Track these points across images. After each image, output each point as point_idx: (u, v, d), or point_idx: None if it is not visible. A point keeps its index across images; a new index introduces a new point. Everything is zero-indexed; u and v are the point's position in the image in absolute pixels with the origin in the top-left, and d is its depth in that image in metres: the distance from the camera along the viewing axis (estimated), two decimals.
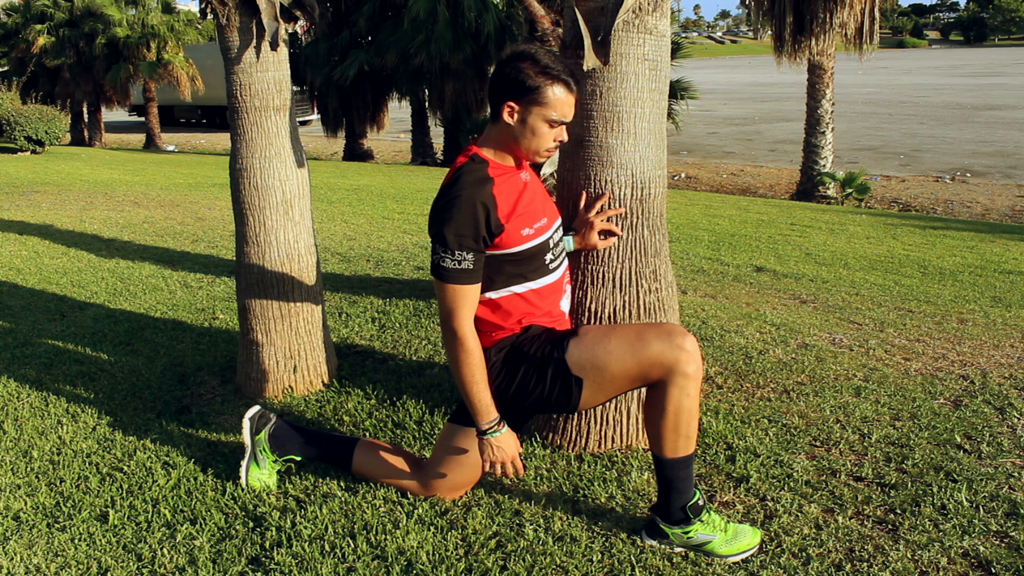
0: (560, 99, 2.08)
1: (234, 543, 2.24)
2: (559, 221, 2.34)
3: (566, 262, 2.36)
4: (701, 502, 2.16)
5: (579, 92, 2.19)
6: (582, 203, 2.57)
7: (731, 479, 2.51)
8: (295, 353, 3.24)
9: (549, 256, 2.24)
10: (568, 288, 2.38)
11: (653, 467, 2.31)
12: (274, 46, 3.06)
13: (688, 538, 2.15)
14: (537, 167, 2.38)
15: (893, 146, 19.39)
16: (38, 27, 21.39)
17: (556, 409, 2.22)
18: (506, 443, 2.18)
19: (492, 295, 2.20)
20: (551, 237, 2.25)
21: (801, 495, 2.41)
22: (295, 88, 8.67)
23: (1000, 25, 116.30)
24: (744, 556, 2.12)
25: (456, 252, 2.08)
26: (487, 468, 2.21)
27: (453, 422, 2.36)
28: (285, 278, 3.18)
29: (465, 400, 2.18)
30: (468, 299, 2.13)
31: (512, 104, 2.10)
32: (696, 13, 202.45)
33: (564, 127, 2.15)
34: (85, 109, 23.66)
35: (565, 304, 2.34)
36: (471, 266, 2.10)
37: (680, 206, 9.42)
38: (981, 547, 2.14)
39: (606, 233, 2.56)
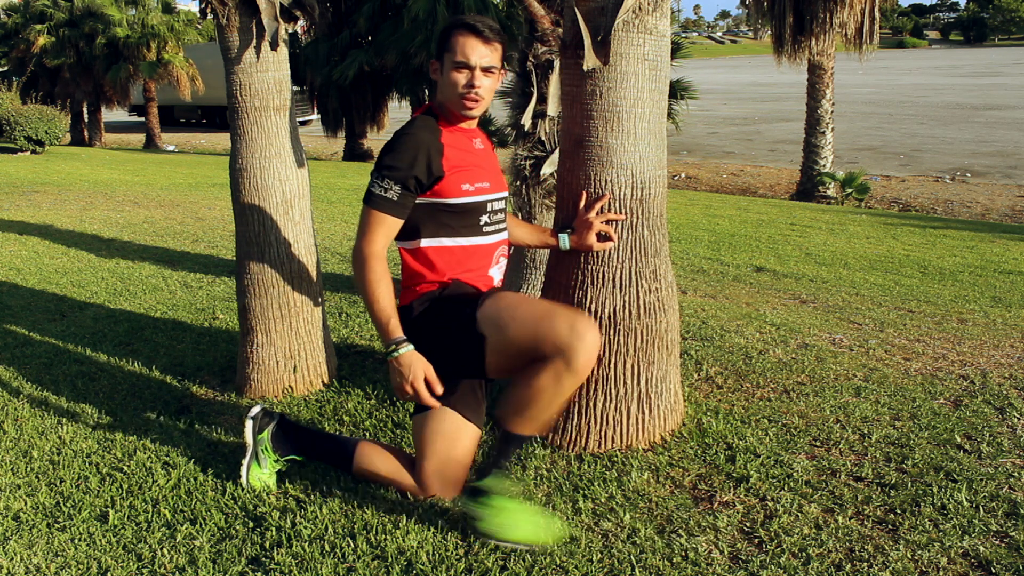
0: (463, 42, 2.22)
1: (234, 543, 2.24)
2: (504, 194, 2.42)
3: (505, 235, 2.44)
4: (491, 489, 2.17)
5: (498, 41, 2.25)
6: (582, 203, 2.57)
7: (731, 479, 2.51)
8: (295, 353, 3.24)
9: (484, 219, 2.33)
10: (503, 261, 2.44)
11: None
12: (274, 46, 3.06)
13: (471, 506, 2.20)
14: (487, 131, 2.49)
15: (893, 146, 19.38)
16: (38, 27, 21.38)
17: (470, 371, 2.26)
18: (413, 362, 2.18)
19: (422, 243, 2.29)
20: (491, 201, 2.34)
21: (801, 495, 2.41)
22: (295, 88, 8.66)
23: (1000, 25, 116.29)
24: (513, 546, 2.12)
25: (385, 180, 2.20)
26: (397, 394, 2.22)
27: (415, 414, 2.39)
28: (285, 278, 3.18)
29: (372, 318, 2.24)
30: (384, 228, 2.22)
31: (434, 62, 2.29)
32: (696, 13, 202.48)
33: (476, 73, 2.23)
34: (85, 109, 23.64)
35: (496, 273, 2.41)
36: (395, 198, 2.20)
37: (680, 206, 9.42)
38: (981, 547, 2.14)
39: (602, 236, 2.56)
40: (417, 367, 2.19)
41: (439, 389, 2.21)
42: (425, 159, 2.20)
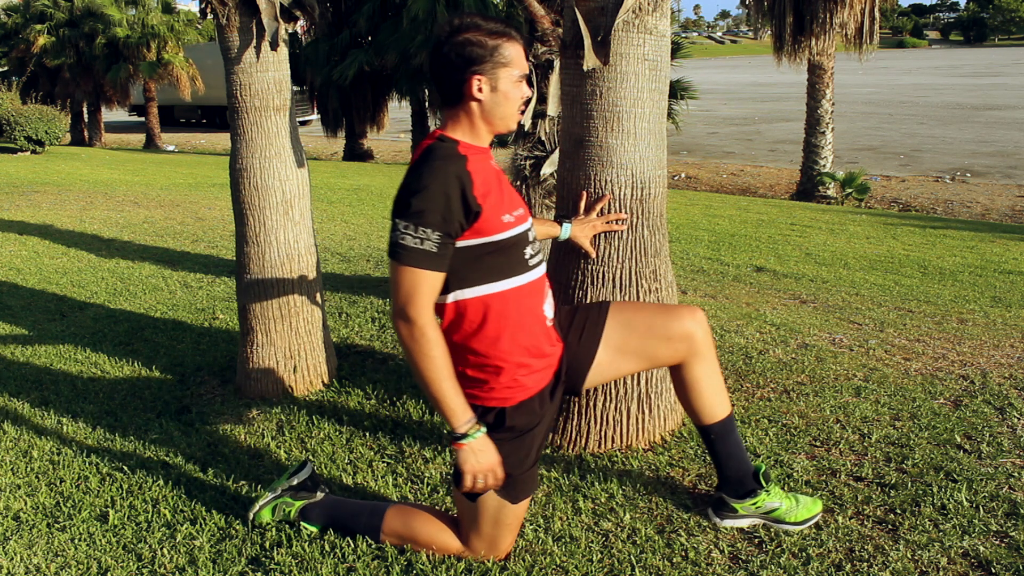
0: (519, 52, 1.96)
1: (234, 543, 2.24)
2: (531, 219, 2.13)
3: (545, 264, 2.13)
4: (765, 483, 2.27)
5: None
6: (582, 204, 2.57)
7: None
8: (295, 353, 3.24)
9: (528, 250, 2.02)
10: (549, 292, 2.13)
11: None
12: (274, 46, 3.06)
13: (756, 508, 2.24)
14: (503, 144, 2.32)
15: (893, 146, 19.38)
16: (38, 27, 21.37)
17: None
18: (488, 448, 1.92)
19: (465, 295, 1.95)
20: (529, 230, 2.04)
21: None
22: (295, 88, 8.66)
23: (1000, 25, 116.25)
24: (811, 523, 2.25)
25: (419, 229, 1.83)
26: (468, 483, 1.91)
27: (469, 497, 2.06)
28: (285, 278, 3.18)
29: (433, 401, 1.90)
30: (429, 287, 1.86)
31: (479, 76, 1.92)
32: (696, 13, 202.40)
33: (524, 82, 2.00)
34: (85, 109, 23.63)
35: (549, 310, 2.10)
36: (435, 248, 1.84)
37: (680, 206, 9.42)
38: (981, 547, 2.14)
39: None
40: (493, 452, 1.92)
41: (502, 477, 1.97)
42: (459, 193, 1.85)
